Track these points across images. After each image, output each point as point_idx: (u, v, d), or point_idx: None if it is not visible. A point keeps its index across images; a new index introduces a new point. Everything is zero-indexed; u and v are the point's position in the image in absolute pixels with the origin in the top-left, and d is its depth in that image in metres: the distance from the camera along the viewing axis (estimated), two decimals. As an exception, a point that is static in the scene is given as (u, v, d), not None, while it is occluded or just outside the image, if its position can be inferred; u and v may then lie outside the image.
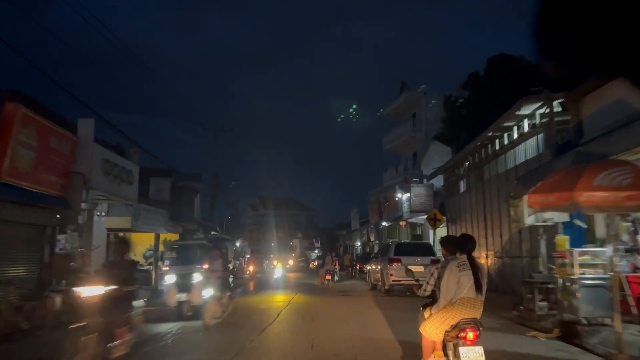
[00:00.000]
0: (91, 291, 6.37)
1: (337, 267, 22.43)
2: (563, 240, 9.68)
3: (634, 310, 7.63)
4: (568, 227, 10.61)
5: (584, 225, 10.31)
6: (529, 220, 10.09)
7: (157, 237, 18.53)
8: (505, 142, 14.32)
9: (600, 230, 9.80)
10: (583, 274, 8.24)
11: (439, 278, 4.99)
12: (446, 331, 4.72)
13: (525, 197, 9.60)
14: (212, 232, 31.25)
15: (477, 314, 4.66)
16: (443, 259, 5.39)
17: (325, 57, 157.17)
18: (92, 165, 12.21)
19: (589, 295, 8.02)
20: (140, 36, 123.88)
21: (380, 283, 17.43)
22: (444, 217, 20.44)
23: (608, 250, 7.57)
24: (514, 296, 13.68)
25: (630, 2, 1.01)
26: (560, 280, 8.55)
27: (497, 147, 14.95)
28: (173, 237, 22.66)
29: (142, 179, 21.35)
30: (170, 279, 12.49)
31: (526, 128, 12.86)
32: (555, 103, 11.25)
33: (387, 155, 43.42)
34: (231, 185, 39.76)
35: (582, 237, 10.45)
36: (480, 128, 16.41)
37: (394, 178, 37.90)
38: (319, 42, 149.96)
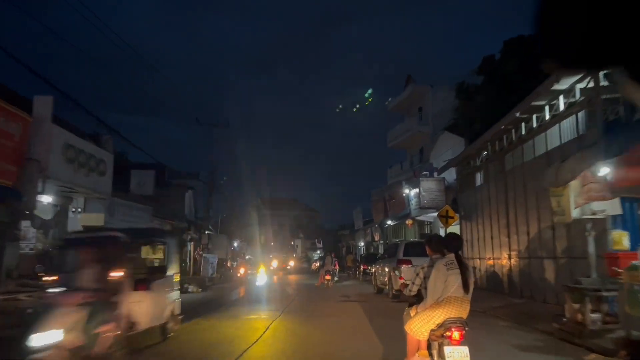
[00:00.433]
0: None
1: (337, 267, 22.70)
2: (620, 236, 7.80)
3: None
4: (617, 221, 8.73)
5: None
6: (576, 213, 8.16)
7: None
8: (534, 124, 12.38)
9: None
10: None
11: (425, 278, 4.96)
12: (432, 330, 4.65)
13: (574, 184, 7.70)
14: (207, 232, 29.42)
15: (464, 313, 4.63)
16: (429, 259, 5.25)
17: (327, 58, 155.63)
18: (51, 150, 10.37)
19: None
20: (141, 37, 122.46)
21: (387, 287, 15.52)
22: (456, 214, 18.55)
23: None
24: (544, 303, 11.77)
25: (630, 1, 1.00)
26: (627, 287, 6.62)
27: (524, 131, 13.02)
28: (161, 236, 20.83)
29: (123, 172, 19.60)
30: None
31: (562, 106, 10.93)
32: (601, 75, 9.31)
33: (392, 151, 41.65)
34: (223, 181, 37.69)
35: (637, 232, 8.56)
36: (498, 114, 14.53)
37: (399, 175, 36.03)
38: (320, 42, 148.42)
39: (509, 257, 14.22)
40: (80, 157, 11.62)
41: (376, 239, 36.56)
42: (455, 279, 4.57)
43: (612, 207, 7.90)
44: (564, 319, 8.55)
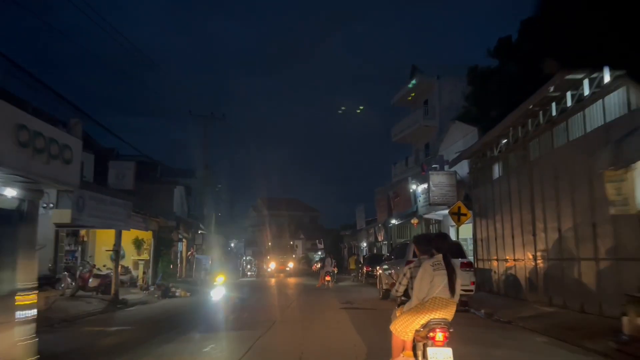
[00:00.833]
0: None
1: (335, 269, 23.85)
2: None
3: None
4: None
5: None
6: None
7: (118, 235, 14.93)
8: (569, 102, 10.59)
9: None
10: None
11: (412, 278, 4.89)
12: (416, 330, 4.63)
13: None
14: (200, 231, 27.71)
15: (449, 315, 4.55)
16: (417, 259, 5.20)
17: (329, 58, 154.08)
18: (-4, 130, 8.61)
19: None
20: (142, 37, 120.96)
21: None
22: (469, 210, 16.79)
23: None
24: (582, 313, 9.99)
25: (631, 2, 0.88)
26: None
27: (554, 111, 11.23)
28: (146, 235, 19.12)
29: (100, 164, 17.89)
30: None
31: (607, 77, 9.14)
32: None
33: (396, 148, 39.92)
34: (218, 188, 36.06)
35: None
36: (518, 98, 12.79)
37: (404, 172, 34.29)
38: (323, 43, 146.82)
39: (534, 259, 12.44)
40: (37, 141, 9.82)
41: (380, 239, 34.84)
42: (441, 279, 4.51)
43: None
44: (624, 337, 6.80)
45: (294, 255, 46.04)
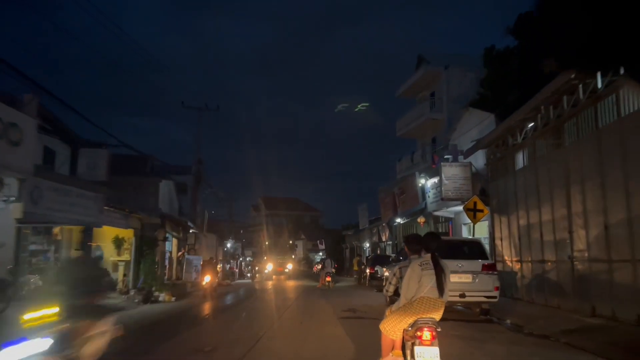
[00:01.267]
0: None
1: (334, 270, 24.48)
2: None
3: None
4: None
5: None
6: None
7: (87, 232, 13.08)
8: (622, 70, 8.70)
9: None
10: None
11: (402, 277, 4.88)
12: (405, 330, 4.63)
13: None
14: (191, 231, 25.85)
15: (437, 314, 4.56)
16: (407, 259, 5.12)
17: (330, 59, 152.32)
18: None
19: None
20: (145, 38, 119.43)
21: (405, 299, 11.85)
22: (486, 206, 14.94)
23: None
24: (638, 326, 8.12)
25: (631, 2, 1.05)
26: None
27: (600, 84, 9.33)
28: (127, 233, 17.28)
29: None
30: None
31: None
32: None
33: (400, 145, 38.06)
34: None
35: None
36: (542, 78, 10.96)
37: (409, 168, 32.38)
38: (324, 41, 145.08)
39: (571, 260, 10.56)
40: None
41: (384, 239, 33.00)
42: (429, 279, 4.51)
43: None
44: None
45: (293, 256, 44.14)
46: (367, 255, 34.62)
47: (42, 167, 11.16)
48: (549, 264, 11.57)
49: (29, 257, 14.62)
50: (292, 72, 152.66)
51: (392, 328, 4.69)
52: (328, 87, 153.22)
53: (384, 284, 15.63)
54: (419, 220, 23.97)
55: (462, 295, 10.74)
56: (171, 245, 23.55)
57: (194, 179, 28.22)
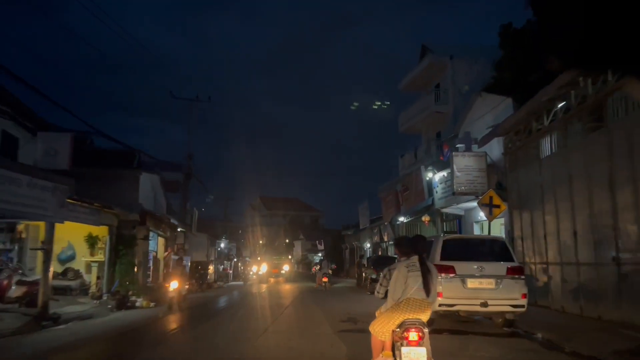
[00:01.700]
0: None
1: (331, 271, 25.08)
2: None
3: None
4: None
5: None
6: None
7: (48, 228, 11.25)
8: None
9: None
10: None
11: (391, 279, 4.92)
12: (393, 331, 4.67)
13: None
14: (179, 229, 24.03)
15: (424, 315, 4.61)
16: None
17: (331, 59, 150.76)
18: None
19: None
20: (147, 39, 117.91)
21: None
22: (503, 202, 13.17)
23: None
24: None
25: (632, 2, 1.04)
26: None
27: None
28: (101, 230, 15.50)
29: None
30: None
31: None
32: None
33: (404, 139, 36.24)
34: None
35: None
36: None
37: (413, 164, 30.62)
38: (325, 39, 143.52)
39: (617, 261, 8.78)
40: None
41: (385, 238, 31.23)
42: (415, 280, 4.56)
43: None
44: None
45: (290, 256, 42.21)
46: (368, 256, 32.83)
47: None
48: (586, 266, 9.78)
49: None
50: (292, 72, 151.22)
51: (381, 329, 4.72)
52: (328, 87, 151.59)
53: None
54: (423, 219, 22.20)
55: (484, 304, 8.94)
56: (156, 244, 21.76)
57: (184, 174, 26.50)
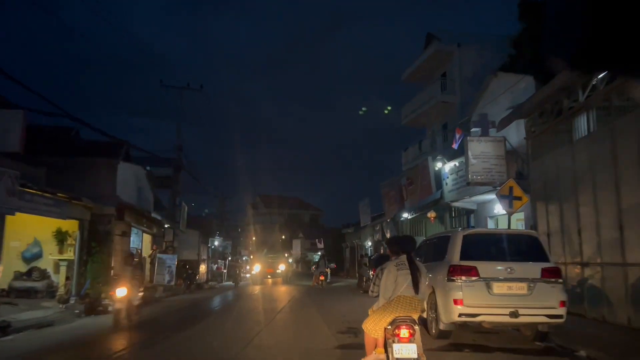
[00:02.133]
0: None
1: (328, 270, 25.44)
2: None
3: None
4: None
5: None
6: None
7: (-3, 222, 9.60)
8: None
9: None
10: None
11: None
12: (385, 328, 4.73)
13: None
14: (167, 226, 22.33)
15: (414, 312, 4.71)
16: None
17: (332, 59, 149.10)
18: None
19: None
20: (147, 39, 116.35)
21: (429, 316, 8.38)
22: (525, 194, 11.47)
23: None
24: None
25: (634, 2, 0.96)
26: None
27: None
28: (72, 225, 13.83)
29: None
30: None
31: None
32: None
33: (408, 130, 34.51)
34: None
35: None
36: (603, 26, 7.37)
37: (417, 158, 28.94)
38: (326, 44, 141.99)
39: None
40: None
41: (388, 236, 29.50)
42: (405, 278, 4.66)
43: None
44: None
45: (286, 255, 40.42)
46: (370, 254, 31.13)
47: None
48: (637, 267, 8.07)
49: None
50: (292, 71, 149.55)
51: (374, 327, 4.77)
52: (328, 87, 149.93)
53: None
54: (428, 215, 20.51)
55: (514, 314, 7.24)
56: (141, 242, 20.08)
57: (173, 167, 24.82)
